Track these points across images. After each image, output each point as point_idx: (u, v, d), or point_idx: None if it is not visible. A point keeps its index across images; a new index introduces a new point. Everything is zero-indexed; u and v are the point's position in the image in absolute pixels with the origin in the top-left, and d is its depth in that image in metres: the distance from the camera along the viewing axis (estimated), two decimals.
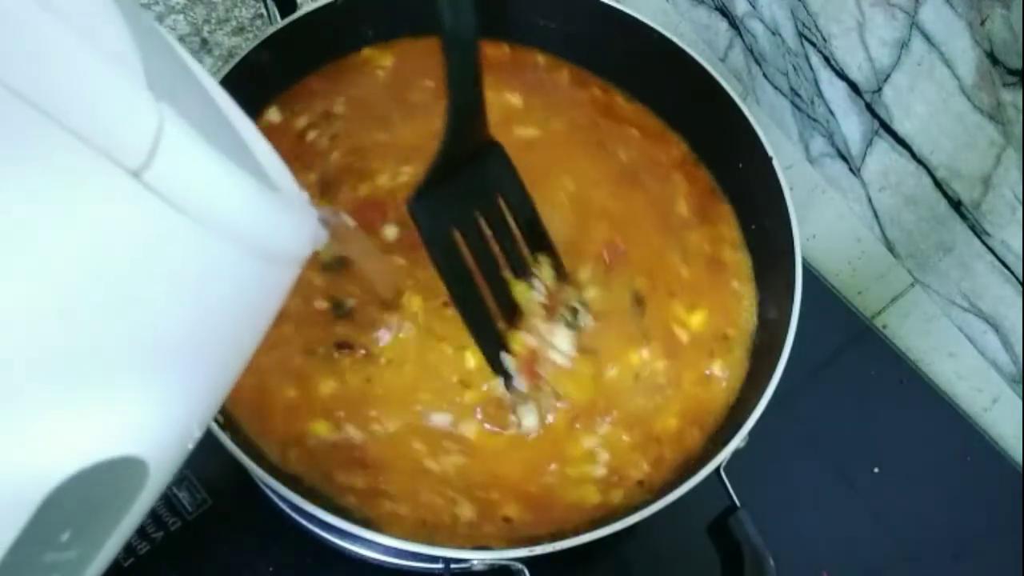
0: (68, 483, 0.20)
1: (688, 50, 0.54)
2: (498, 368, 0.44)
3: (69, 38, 0.19)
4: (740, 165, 0.54)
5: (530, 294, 0.46)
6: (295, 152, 0.52)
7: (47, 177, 0.19)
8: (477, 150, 0.43)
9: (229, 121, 0.28)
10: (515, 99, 0.57)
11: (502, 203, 0.45)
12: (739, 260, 0.54)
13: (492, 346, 0.44)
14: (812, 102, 0.65)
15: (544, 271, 0.47)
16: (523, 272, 0.46)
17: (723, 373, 0.50)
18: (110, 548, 0.23)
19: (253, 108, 0.53)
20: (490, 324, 0.44)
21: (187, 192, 0.21)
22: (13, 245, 0.19)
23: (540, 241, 0.47)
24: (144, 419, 0.22)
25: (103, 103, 0.19)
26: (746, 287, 0.53)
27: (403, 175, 0.51)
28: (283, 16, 0.52)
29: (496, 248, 0.45)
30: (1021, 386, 0.60)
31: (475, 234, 0.44)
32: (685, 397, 0.49)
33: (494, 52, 0.58)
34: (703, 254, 0.53)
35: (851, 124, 0.63)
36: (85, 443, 0.20)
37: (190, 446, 0.25)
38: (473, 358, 0.46)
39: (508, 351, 0.45)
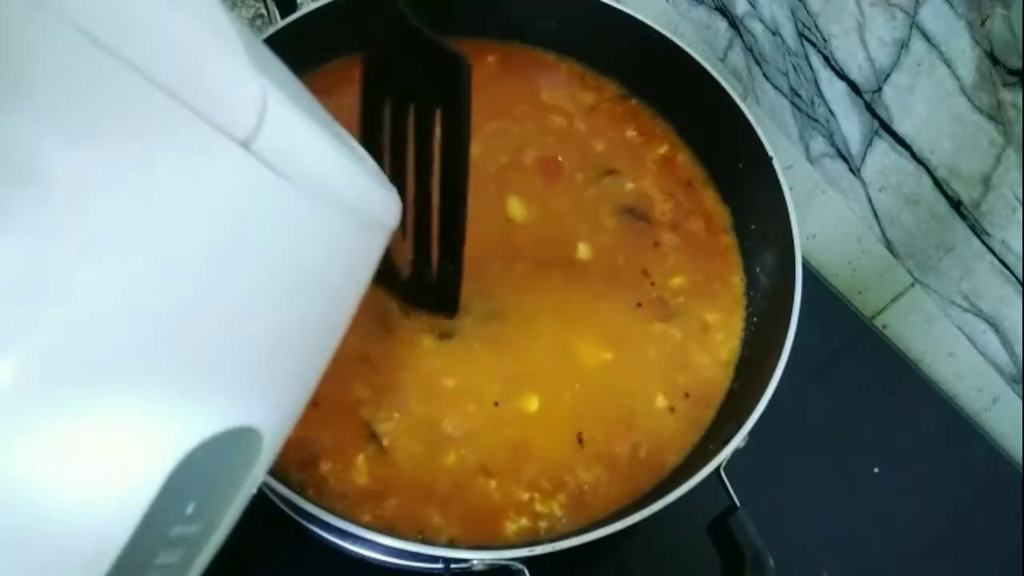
0: (194, 453, 0.20)
1: (688, 50, 0.54)
2: None
3: (180, 16, 0.20)
4: (740, 165, 0.54)
5: None
6: None
7: (168, 150, 0.20)
8: (435, 48, 0.37)
9: (310, 99, 0.28)
10: (517, 97, 0.57)
11: (437, 121, 0.39)
12: (736, 259, 0.54)
13: None
14: (812, 102, 0.65)
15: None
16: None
17: (719, 367, 0.50)
18: (226, 523, 0.24)
19: None
20: None
21: (291, 160, 0.22)
22: (138, 217, 0.19)
23: (450, 192, 0.41)
24: (257, 391, 0.23)
25: (215, 77, 0.20)
26: (744, 286, 0.53)
27: None
28: (283, 16, 0.52)
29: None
30: (1021, 386, 0.60)
31: (401, 124, 0.40)
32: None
33: (495, 50, 0.58)
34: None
35: (851, 124, 0.63)
36: (207, 416, 0.21)
37: (296, 416, 0.26)
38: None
39: None
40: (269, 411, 0.24)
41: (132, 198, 0.19)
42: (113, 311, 0.19)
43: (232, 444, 0.22)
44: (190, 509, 0.22)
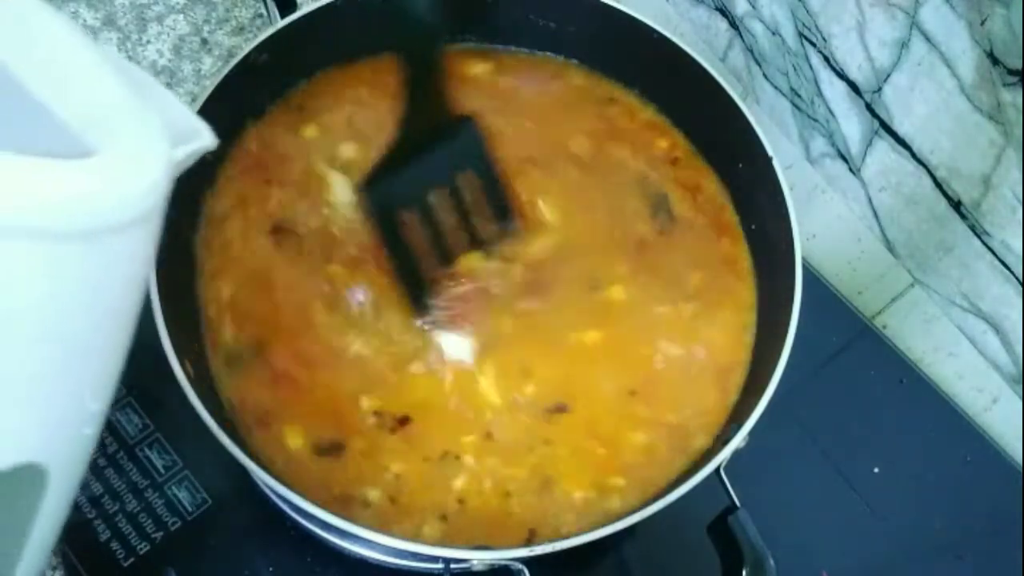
0: None
1: (688, 50, 0.54)
2: (418, 305, 0.47)
3: None
4: (740, 165, 0.54)
5: (482, 263, 0.49)
6: None
7: None
8: (441, 127, 0.46)
9: (11, 73, 0.23)
10: (515, 96, 0.57)
11: (465, 177, 0.47)
12: (736, 259, 0.54)
13: (415, 288, 0.47)
14: (812, 102, 0.65)
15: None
16: (480, 244, 0.49)
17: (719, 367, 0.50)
18: (30, 556, 0.23)
19: (253, 107, 0.53)
20: (417, 274, 0.47)
21: None
22: None
23: (505, 215, 0.50)
24: (34, 427, 0.22)
25: None
26: (744, 286, 0.53)
27: None
28: (283, 16, 0.52)
29: (449, 222, 0.47)
30: (1021, 386, 0.60)
31: (426, 212, 0.46)
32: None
33: (494, 51, 0.58)
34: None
35: (851, 124, 0.63)
36: None
37: (88, 446, 0.25)
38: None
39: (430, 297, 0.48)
40: (50, 444, 0.22)
41: None
42: None
43: (13, 482, 0.21)
44: None
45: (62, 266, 0.21)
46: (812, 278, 0.61)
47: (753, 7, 0.66)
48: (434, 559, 0.42)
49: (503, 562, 0.41)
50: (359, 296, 0.48)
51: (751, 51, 0.69)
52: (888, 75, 0.58)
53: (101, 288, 0.22)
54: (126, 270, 0.23)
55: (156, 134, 0.23)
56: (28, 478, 0.22)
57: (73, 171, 0.20)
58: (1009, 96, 0.51)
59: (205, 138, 0.25)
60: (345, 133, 0.53)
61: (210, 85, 0.48)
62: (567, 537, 0.41)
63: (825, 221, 0.69)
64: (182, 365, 0.41)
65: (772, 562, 0.43)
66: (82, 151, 0.21)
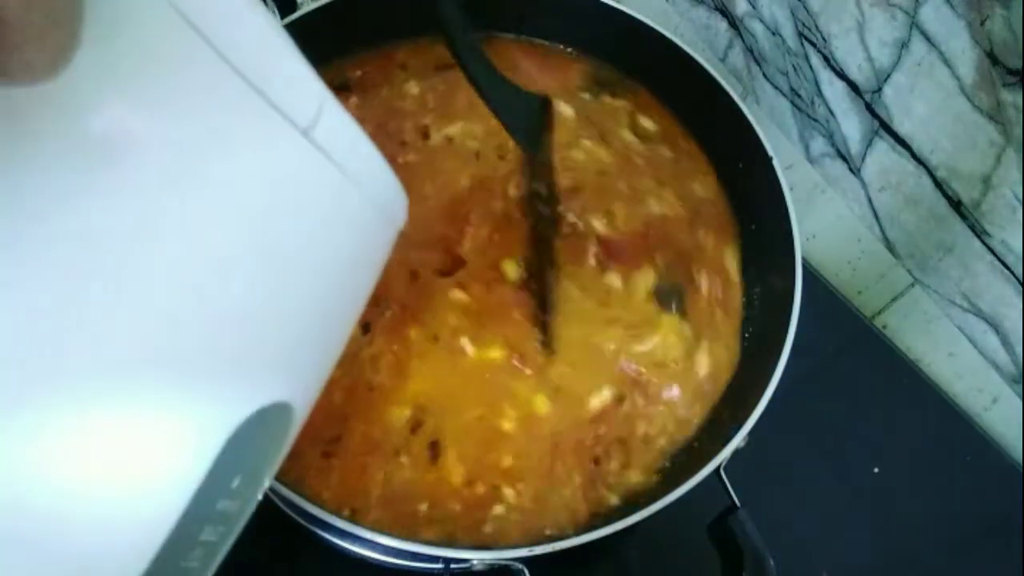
0: (240, 428, 0.22)
1: (688, 50, 0.54)
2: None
3: (258, 17, 0.22)
4: (740, 165, 0.54)
5: None
6: None
7: (242, 132, 0.22)
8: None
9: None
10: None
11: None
12: (736, 258, 0.54)
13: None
14: (812, 102, 0.65)
15: None
16: None
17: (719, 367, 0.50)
18: (254, 502, 0.26)
19: None
20: None
21: (341, 150, 0.24)
22: (210, 192, 0.21)
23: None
24: (293, 368, 0.25)
25: (285, 72, 0.23)
26: (744, 286, 0.53)
27: None
28: (283, 16, 0.52)
29: None
30: (1021, 386, 0.60)
31: None
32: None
33: (493, 49, 0.58)
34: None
35: (851, 124, 0.63)
36: (253, 392, 0.23)
37: (318, 392, 0.28)
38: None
39: None
40: (301, 387, 0.26)
41: (207, 174, 0.22)
42: (178, 288, 0.21)
43: (270, 419, 0.24)
44: (235, 483, 0.23)
45: (370, 228, 0.27)
46: (812, 278, 0.61)
47: (753, 7, 0.66)
48: (434, 559, 0.42)
49: (503, 562, 0.41)
50: None
51: (751, 51, 0.69)
52: (888, 75, 0.58)
53: (370, 261, 0.29)
54: (380, 256, 0.29)
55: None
56: (279, 417, 0.25)
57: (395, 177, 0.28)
58: (1009, 96, 0.51)
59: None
60: None
61: None
62: (567, 537, 0.41)
63: (825, 221, 0.69)
64: None
65: (772, 562, 0.43)
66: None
